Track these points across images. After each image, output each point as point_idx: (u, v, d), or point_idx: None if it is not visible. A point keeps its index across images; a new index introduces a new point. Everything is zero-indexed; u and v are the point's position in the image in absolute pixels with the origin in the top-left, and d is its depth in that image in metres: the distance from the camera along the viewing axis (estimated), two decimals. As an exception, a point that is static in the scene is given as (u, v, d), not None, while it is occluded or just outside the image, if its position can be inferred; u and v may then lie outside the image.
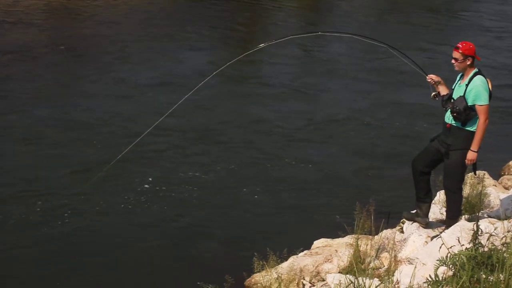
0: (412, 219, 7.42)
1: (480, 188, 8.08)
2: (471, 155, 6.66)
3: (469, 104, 6.58)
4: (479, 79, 6.61)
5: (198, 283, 6.30)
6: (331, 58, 16.95)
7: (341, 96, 14.43)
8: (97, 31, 18.23)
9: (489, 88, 6.66)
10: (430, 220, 7.51)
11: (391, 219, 7.82)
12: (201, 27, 19.44)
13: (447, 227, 6.75)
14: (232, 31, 19.64)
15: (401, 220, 7.98)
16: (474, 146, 6.62)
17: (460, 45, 6.68)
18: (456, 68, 6.77)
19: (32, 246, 8.10)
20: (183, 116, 11.79)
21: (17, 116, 12.04)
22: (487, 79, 6.71)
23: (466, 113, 6.61)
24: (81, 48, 16.70)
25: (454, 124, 6.73)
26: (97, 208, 9.04)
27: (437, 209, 8.06)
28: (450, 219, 6.88)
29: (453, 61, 6.73)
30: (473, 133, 6.66)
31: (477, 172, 7.31)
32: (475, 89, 6.58)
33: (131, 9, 20.82)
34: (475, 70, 6.69)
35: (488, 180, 9.43)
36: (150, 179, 9.93)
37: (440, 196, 8.24)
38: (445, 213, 7.75)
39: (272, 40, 8.15)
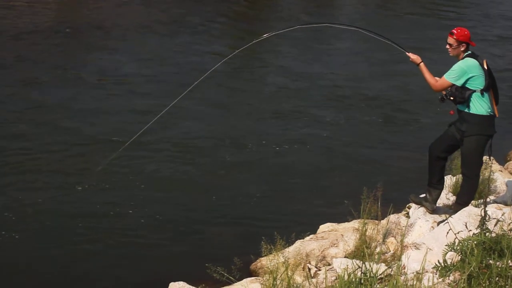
0: (419, 203, 7.40)
1: (487, 174, 8.07)
2: (412, 55, 6.90)
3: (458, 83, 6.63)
4: (463, 60, 6.64)
5: (206, 265, 6.31)
6: (335, 50, 16.86)
7: (346, 81, 14.39)
8: (103, 15, 18.19)
9: (483, 69, 6.62)
10: (437, 205, 7.51)
11: (398, 204, 7.82)
12: (204, 14, 19.37)
13: (455, 212, 6.74)
14: (234, 20, 19.54)
15: (407, 205, 7.98)
16: (423, 66, 6.81)
17: (455, 31, 6.68)
18: (450, 54, 6.79)
19: (37, 230, 8.16)
20: (189, 105, 11.77)
21: (23, 98, 12.08)
22: (483, 60, 6.68)
23: (459, 92, 6.63)
24: (87, 32, 16.67)
25: (459, 109, 6.74)
26: (105, 193, 9.08)
27: (443, 194, 8.05)
28: (460, 205, 6.84)
29: (447, 46, 6.75)
30: (485, 117, 6.65)
31: (484, 157, 7.30)
32: (453, 66, 6.65)
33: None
34: (468, 52, 6.69)
35: (495, 165, 9.43)
36: (159, 164, 9.96)
37: (447, 181, 8.23)
38: (451, 199, 7.77)
39: (278, 30, 8.13)
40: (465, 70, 6.59)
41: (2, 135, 10.44)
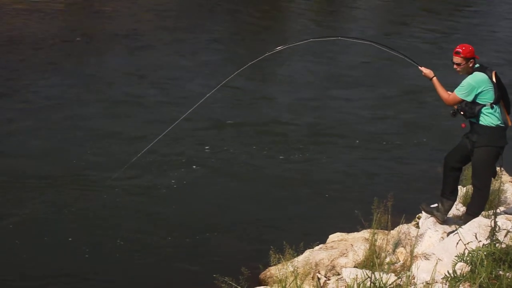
0: (430, 212, 7.36)
1: (497, 185, 8.03)
2: (425, 70, 6.88)
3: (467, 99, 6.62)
4: (471, 76, 6.63)
5: (214, 275, 6.31)
6: (346, 63, 16.86)
7: (358, 96, 14.38)
8: (115, 24, 18.32)
9: (492, 82, 6.60)
10: (447, 216, 7.47)
11: (407, 214, 7.80)
12: (216, 24, 19.43)
13: (465, 222, 6.70)
14: (248, 31, 19.61)
15: (417, 216, 7.95)
16: (436, 81, 6.80)
17: (460, 49, 6.64)
18: (460, 73, 6.76)
19: (41, 236, 8.21)
20: (204, 112, 11.80)
21: (37, 107, 12.21)
22: (492, 72, 6.66)
23: (468, 107, 6.63)
24: (98, 41, 16.78)
25: (471, 121, 6.74)
26: (117, 200, 9.12)
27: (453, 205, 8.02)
28: (470, 215, 6.79)
29: (455, 66, 6.71)
30: (496, 128, 6.63)
31: (496, 169, 7.26)
32: (462, 82, 6.64)
33: (150, 3, 20.85)
34: (476, 65, 6.69)
35: (505, 176, 9.38)
36: (169, 174, 9.97)
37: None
38: (461, 209, 7.73)
39: (290, 43, 8.16)
40: (474, 86, 6.58)
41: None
